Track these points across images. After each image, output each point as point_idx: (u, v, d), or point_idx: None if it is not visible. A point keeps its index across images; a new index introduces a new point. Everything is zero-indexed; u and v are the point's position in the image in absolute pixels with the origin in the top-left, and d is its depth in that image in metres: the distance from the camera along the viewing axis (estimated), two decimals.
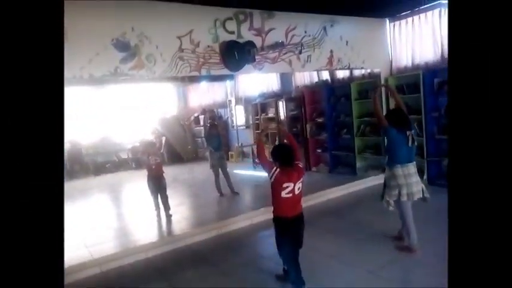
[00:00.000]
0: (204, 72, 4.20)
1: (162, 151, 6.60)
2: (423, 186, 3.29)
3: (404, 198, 3.13)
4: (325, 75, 7.06)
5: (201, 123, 11.16)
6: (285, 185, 2.63)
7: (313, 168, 7.37)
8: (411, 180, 3.13)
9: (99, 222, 5.37)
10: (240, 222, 4.56)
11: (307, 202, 4.95)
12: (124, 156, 10.69)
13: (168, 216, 5.10)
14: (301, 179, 2.72)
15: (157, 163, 5.17)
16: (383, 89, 5.02)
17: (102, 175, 9.94)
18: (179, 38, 3.99)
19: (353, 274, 2.98)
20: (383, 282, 2.82)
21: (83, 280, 3.39)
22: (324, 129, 7.07)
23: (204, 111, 10.84)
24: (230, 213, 5.11)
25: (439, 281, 2.77)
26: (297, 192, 2.70)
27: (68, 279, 3.19)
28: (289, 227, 2.74)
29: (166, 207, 5.13)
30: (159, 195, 5.18)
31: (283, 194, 2.66)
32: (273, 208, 2.79)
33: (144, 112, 11.12)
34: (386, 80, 5.78)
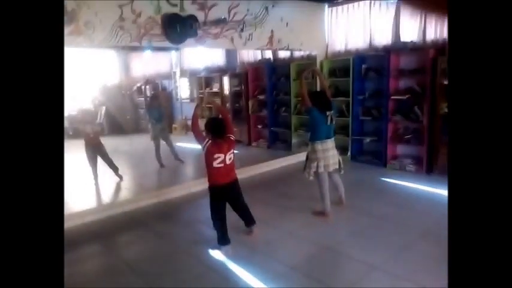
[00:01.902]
0: (145, 43, 4.22)
1: (101, 121, 6.48)
2: (340, 159, 3.77)
3: (321, 169, 3.59)
4: (269, 54, 7.33)
5: (143, 93, 10.92)
6: (215, 156, 2.92)
7: (254, 143, 7.75)
8: (328, 154, 3.59)
9: None
10: (179, 191, 4.80)
11: (245, 173, 5.33)
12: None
13: (119, 176, 5.21)
14: (232, 151, 3.03)
15: (95, 132, 5.15)
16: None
17: None
18: (120, 6, 3.95)
19: (275, 234, 3.41)
20: (298, 240, 3.29)
21: None
22: (265, 106, 7.42)
23: (147, 82, 10.60)
24: (170, 183, 5.31)
25: (344, 238, 3.31)
26: (228, 162, 3.00)
27: None
28: (222, 193, 3.07)
29: (114, 169, 5.21)
30: (97, 165, 5.20)
31: (215, 163, 2.95)
32: (207, 177, 3.08)
33: (83, 79, 10.55)
34: (321, 63, 6.22)
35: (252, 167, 5.70)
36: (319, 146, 3.57)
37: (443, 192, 4.31)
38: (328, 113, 3.55)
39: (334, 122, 3.64)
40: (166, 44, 4.41)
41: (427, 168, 5.03)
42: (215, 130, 2.98)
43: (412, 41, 5.18)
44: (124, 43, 4.06)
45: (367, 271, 2.70)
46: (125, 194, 5.05)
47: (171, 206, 4.40)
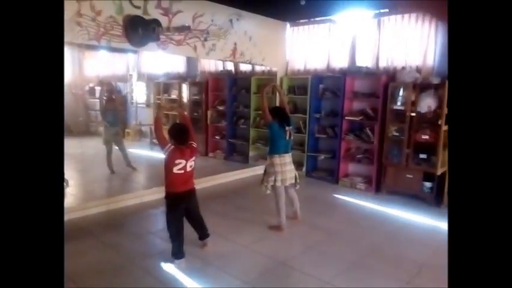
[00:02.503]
0: (104, 42, 4.05)
1: None
2: (296, 174, 3.86)
3: (278, 183, 3.64)
4: (230, 66, 7.36)
5: (97, 95, 10.39)
6: (177, 161, 2.85)
7: (211, 154, 7.67)
8: (286, 169, 3.66)
9: None
10: (130, 200, 4.58)
11: (201, 184, 5.24)
12: None
13: (66, 182, 4.84)
14: (194, 158, 2.98)
15: None
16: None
17: None
18: (78, 1, 3.77)
19: (230, 247, 3.37)
20: (253, 254, 3.28)
21: None
22: (224, 117, 7.41)
23: (101, 83, 10.11)
24: (120, 191, 5.05)
25: (297, 253, 3.36)
26: (188, 169, 2.94)
27: None
28: (179, 202, 2.98)
29: None
30: None
31: (175, 169, 2.87)
32: (165, 184, 2.98)
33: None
34: (281, 79, 6.38)
35: (208, 178, 5.63)
36: (277, 160, 3.63)
37: (390, 210, 4.56)
38: (287, 128, 3.63)
39: (292, 137, 3.73)
40: (127, 45, 4.26)
41: (376, 187, 5.31)
42: (179, 136, 2.92)
43: (366, 66, 5.51)
44: (81, 40, 3.87)
45: (319, 285, 2.76)
46: (70, 200, 4.69)
47: (121, 215, 4.19)
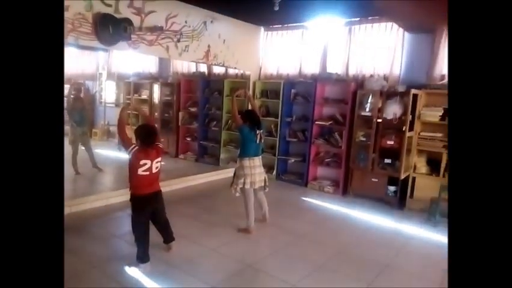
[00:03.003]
0: (71, 40, 3.92)
1: None
2: (266, 177, 3.89)
3: (247, 186, 3.66)
4: (203, 68, 7.33)
5: (64, 93, 10.00)
6: (142, 162, 2.79)
7: (181, 156, 7.57)
8: (255, 171, 3.69)
9: None
10: (95, 202, 4.44)
11: (170, 186, 5.17)
12: None
13: None
14: (159, 159, 2.93)
15: None
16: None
17: None
18: None
19: (197, 251, 3.34)
20: (221, 257, 3.27)
21: None
22: (196, 119, 7.35)
23: (69, 81, 9.74)
24: (85, 192, 4.88)
25: (265, 256, 3.38)
26: (154, 170, 2.89)
27: None
28: (145, 204, 2.92)
29: None
30: None
31: (140, 171, 2.82)
32: (130, 186, 2.92)
33: None
34: (254, 83, 6.42)
35: (178, 180, 5.56)
36: (247, 162, 3.65)
37: (356, 213, 4.70)
38: (258, 131, 3.67)
39: (263, 141, 3.77)
40: (96, 43, 4.15)
41: (343, 190, 5.45)
42: (146, 137, 2.87)
43: (336, 73, 5.66)
44: None
45: None
46: None
47: (85, 218, 4.05)
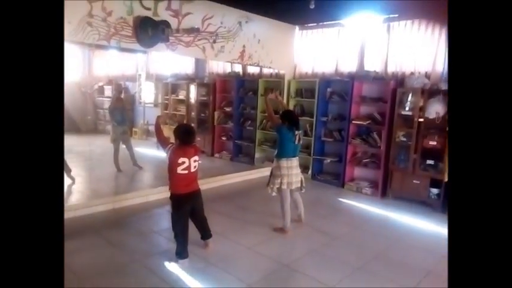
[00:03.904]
0: (114, 43, 4.10)
1: None
2: (302, 178, 3.85)
3: (284, 186, 3.65)
4: (238, 68, 7.39)
5: (105, 94, 10.50)
6: (180, 161, 2.87)
7: (216, 155, 7.69)
8: (292, 172, 3.66)
9: None
10: (136, 199, 4.62)
11: (206, 185, 5.26)
12: None
13: (71, 178, 4.91)
14: (197, 157, 2.99)
15: None
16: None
17: None
18: (90, 2, 3.82)
19: (233, 248, 3.38)
20: (256, 256, 3.28)
21: None
22: (231, 118, 7.43)
23: (110, 82, 10.23)
24: (126, 189, 5.10)
25: (301, 256, 3.35)
26: (192, 169, 2.96)
27: None
28: (184, 203, 3.00)
29: (67, 170, 4.90)
30: None
31: (179, 169, 2.89)
32: (169, 185, 3.00)
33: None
34: (289, 82, 6.38)
35: (214, 178, 5.64)
36: (284, 163, 3.63)
37: (396, 215, 4.53)
38: (296, 132, 3.64)
39: (301, 142, 3.74)
40: (136, 46, 4.31)
41: (382, 192, 5.28)
42: (184, 136, 2.95)
43: (375, 71, 5.49)
44: (91, 40, 3.92)
45: None
46: (77, 197, 4.76)
47: (127, 213, 4.22)
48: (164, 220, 4.12)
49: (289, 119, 3.70)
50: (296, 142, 3.66)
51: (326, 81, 5.95)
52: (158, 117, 3.35)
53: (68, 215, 3.93)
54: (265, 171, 6.27)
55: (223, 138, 7.69)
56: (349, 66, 5.88)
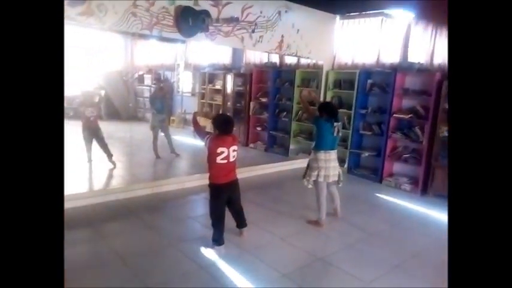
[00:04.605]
0: (155, 32, 4.19)
1: (100, 105, 6.43)
2: (340, 171, 3.78)
3: (321, 179, 3.59)
4: (275, 58, 7.32)
5: (145, 82, 10.83)
6: (219, 150, 2.90)
7: (251, 145, 7.73)
8: (330, 165, 3.59)
9: None
10: (173, 185, 4.75)
11: (240, 174, 5.25)
12: None
13: (113, 163, 5.14)
14: (236, 147, 3.01)
15: (94, 116, 5.10)
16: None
17: None
18: None
19: (267, 238, 3.39)
20: (291, 247, 3.27)
21: None
22: (266, 109, 7.41)
23: (150, 71, 10.53)
24: (164, 176, 5.26)
25: (336, 250, 3.30)
26: (231, 159, 2.98)
27: None
28: (222, 192, 3.04)
29: (108, 154, 5.15)
30: (92, 149, 5.14)
31: (219, 159, 2.93)
32: (208, 175, 3.05)
33: (86, 62, 10.41)
34: (327, 73, 6.24)
35: (248, 168, 5.67)
36: (322, 155, 3.57)
37: (437, 214, 4.34)
38: (335, 124, 3.56)
39: (340, 134, 3.65)
40: (177, 35, 4.38)
41: (422, 188, 5.07)
42: (223, 126, 2.98)
43: (419, 62, 5.22)
44: (134, 30, 4.03)
45: (359, 286, 2.70)
46: (117, 181, 4.99)
47: (164, 199, 4.35)
48: (200, 207, 4.22)
49: (328, 110, 3.62)
50: (335, 134, 3.58)
51: (367, 72, 5.75)
52: (195, 113, 3.42)
53: (110, 197, 4.13)
54: (300, 163, 6.22)
55: (258, 129, 7.70)
56: (391, 57, 5.64)
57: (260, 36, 5.20)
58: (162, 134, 6.18)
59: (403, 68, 5.33)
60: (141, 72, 10.84)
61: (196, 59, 9.29)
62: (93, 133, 5.10)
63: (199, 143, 3.12)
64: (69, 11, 3.52)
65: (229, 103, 8.16)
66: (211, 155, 2.94)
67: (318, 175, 3.58)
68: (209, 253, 3.02)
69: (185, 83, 9.62)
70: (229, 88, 8.14)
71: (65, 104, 8.42)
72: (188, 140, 7.64)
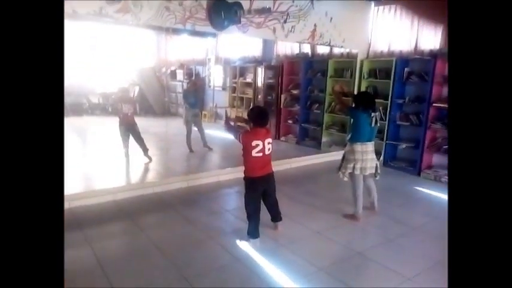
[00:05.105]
0: (188, 26, 4.22)
1: (136, 101, 6.63)
2: (377, 164, 3.65)
3: (357, 171, 3.48)
4: (306, 49, 7.18)
5: (177, 77, 11.02)
6: (254, 143, 2.88)
7: (282, 138, 7.67)
8: (367, 157, 3.48)
9: (67, 163, 5.40)
10: (208, 178, 4.81)
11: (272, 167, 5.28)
12: (95, 100, 10.46)
13: (148, 157, 5.30)
14: (270, 139, 2.99)
15: (131, 112, 5.25)
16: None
17: (70, 117, 9.73)
18: None
19: (302, 232, 3.35)
20: (326, 241, 3.21)
21: None
22: (298, 101, 7.31)
23: (182, 66, 10.69)
24: (199, 169, 5.34)
25: (375, 245, 3.20)
26: (267, 152, 2.96)
27: None
28: (258, 185, 3.03)
29: (144, 149, 5.31)
30: (129, 144, 5.30)
31: (254, 152, 2.91)
32: (244, 169, 3.04)
33: (121, 58, 10.75)
34: (361, 62, 6.03)
35: (280, 162, 5.62)
36: (359, 147, 3.46)
37: None
38: (372, 114, 3.43)
39: (378, 125, 3.52)
40: (209, 28, 4.38)
41: None
42: (259, 118, 2.96)
43: None
44: (168, 24, 4.07)
45: (400, 282, 2.60)
46: (153, 175, 5.12)
47: (199, 192, 4.41)
48: (234, 200, 4.24)
49: (364, 100, 3.50)
50: (372, 125, 3.45)
51: (404, 60, 5.50)
52: (227, 117, 3.41)
53: (147, 191, 4.25)
54: (332, 156, 6.10)
55: (290, 122, 7.62)
56: (431, 44, 5.35)
57: (292, 27, 5.10)
58: (195, 128, 6.27)
59: (444, 54, 5.04)
60: (173, 68, 11.04)
61: (226, 53, 9.32)
62: (129, 128, 5.25)
63: (231, 136, 3.12)
64: (107, 9, 3.61)
65: (260, 96, 8.13)
66: (247, 148, 2.92)
67: (354, 167, 3.48)
68: (244, 246, 3.02)
69: (216, 77, 9.69)
70: (260, 81, 8.11)
71: (103, 101, 8.80)
72: (220, 134, 7.70)
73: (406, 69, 5.45)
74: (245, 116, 5.76)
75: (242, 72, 8.76)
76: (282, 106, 7.57)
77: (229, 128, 3.16)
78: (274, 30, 4.94)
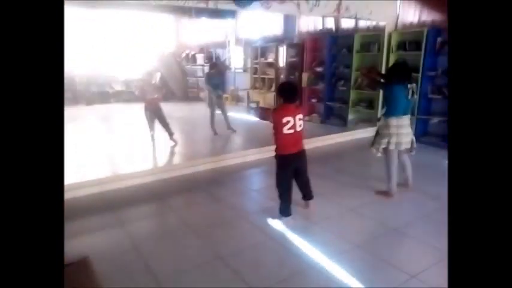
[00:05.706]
0: (211, 4, 4.11)
1: (161, 86, 6.66)
2: (413, 138, 3.49)
3: (392, 146, 3.34)
4: (330, 24, 6.93)
5: (197, 62, 10.98)
6: (285, 120, 2.79)
7: (306, 118, 7.51)
8: (402, 131, 3.32)
9: (96, 148, 5.52)
10: (233, 159, 4.79)
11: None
12: (118, 87, 10.60)
13: (174, 141, 5.35)
14: (301, 115, 2.89)
15: (156, 97, 5.28)
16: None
17: (95, 105, 9.92)
18: None
19: (336, 209, 3.28)
20: (361, 218, 3.13)
21: (83, 197, 3.60)
22: (322, 79, 7.11)
23: (201, 50, 10.62)
24: (224, 151, 5.33)
25: (411, 221, 3.09)
26: (298, 128, 2.87)
27: (67, 196, 3.39)
28: (289, 163, 2.96)
29: (170, 133, 5.35)
30: (155, 127, 5.34)
31: (285, 129, 2.82)
32: (275, 146, 2.97)
33: (141, 45, 10.79)
34: (390, 35, 5.75)
35: (305, 141, 5.46)
36: (394, 121, 3.31)
37: None
38: (409, 85, 3.26)
39: (415, 96, 3.34)
40: (232, 6, 4.27)
41: None
42: (288, 93, 2.88)
43: None
44: (191, 3, 3.98)
45: (441, 257, 2.50)
46: (179, 158, 5.15)
47: (226, 173, 4.40)
48: (261, 180, 4.21)
49: (399, 72, 3.32)
50: (409, 97, 3.28)
51: (436, 30, 5.19)
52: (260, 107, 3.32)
53: (174, 173, 4.27)
54: (358, 134, 5.93)
55: (313, 100, 7.44)
56: None
57: (317, 1, 4.89)
58: (219, 111, 6.23)
59: None
60: (193, 52, 10.99)
61: (246, 34, 9.14)
62: (155, 113, 5.27)
63: (253, 118, 3.04)
64: None
65: (282, 76, 7.97)
66: (278, 125, 2.84)
67: (388, 142, 3.34)
68: (277, 224, 2.99)
69: (236, 59, 9.56)
70: (282, 60, 7.92)
71: (126, 88, 8.87)
72: (243, 116, 7.65)
73: (439, 39, 5.16)
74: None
75: (263, 52, 8.59)
76: (304, 85, 7.37)
77: (266, 115, 3.08)
78: (298, 5, 4.75)
